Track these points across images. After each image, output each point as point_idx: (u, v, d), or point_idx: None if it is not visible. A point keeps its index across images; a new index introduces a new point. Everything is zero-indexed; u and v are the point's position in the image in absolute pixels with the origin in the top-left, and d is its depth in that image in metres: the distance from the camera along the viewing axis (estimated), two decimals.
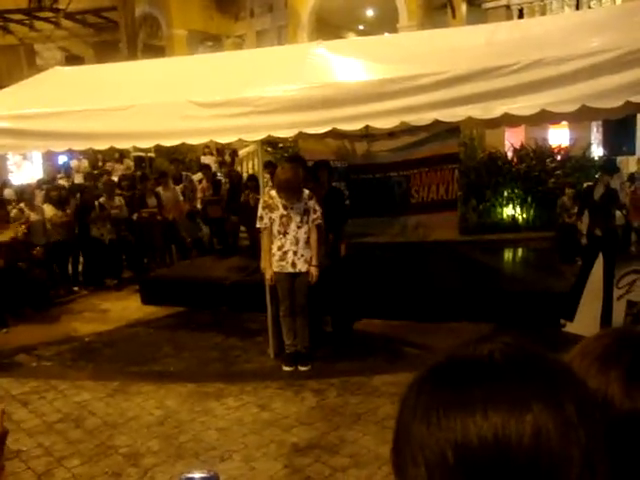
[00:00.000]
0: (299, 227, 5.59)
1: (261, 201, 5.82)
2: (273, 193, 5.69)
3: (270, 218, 5.63)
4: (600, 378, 0.76)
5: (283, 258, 5.61)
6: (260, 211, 5.71)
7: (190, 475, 1.06)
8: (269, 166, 8.15)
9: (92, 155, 15.36)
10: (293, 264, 5.60)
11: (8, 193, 11.96)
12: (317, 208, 5.64)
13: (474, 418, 0.57)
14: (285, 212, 5.60)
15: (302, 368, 5.66)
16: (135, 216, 10.05)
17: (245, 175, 12.72)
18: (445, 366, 0.64)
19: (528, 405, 0.57)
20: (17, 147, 6.86)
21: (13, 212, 8.72)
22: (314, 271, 5.61)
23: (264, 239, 5.72)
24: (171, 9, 21.46)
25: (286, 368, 5.68)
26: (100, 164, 15.94)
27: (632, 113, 5.91)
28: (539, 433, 0.56)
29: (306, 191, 5.66)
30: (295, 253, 5.59)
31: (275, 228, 5.62)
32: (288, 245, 5.59)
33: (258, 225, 5.77)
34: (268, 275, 5.68)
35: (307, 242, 5.62)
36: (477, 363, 0.62)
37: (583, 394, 0.61)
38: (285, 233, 5.59)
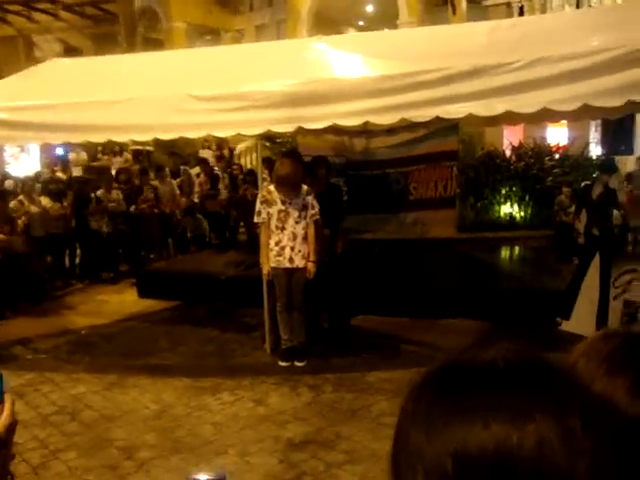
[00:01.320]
0: (297, 222, 5.58)
1: (259, 196, 5.80)
2: (271, 188, 5.68)
3: (268, 213, 5.61)
4: (606, 382, 0.75)
5: (280, 253, 5.59)
6: (258, 206, 5.69)
7: (197, 476, 0.98)
8: (267, 162, 8.12)
9: (91, 148, 15.30)
10: (290, 259, 5.58)
11: (9, 184, 11.93)
12: (315, 204, 5.63)
13: (474, 427, 0.55)
14: (283, 207, 5.58)
15: (298, 363, 5.65)
16: (133, 208, 10.03)
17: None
18: (445, 372, 0.62)
19: (531, 415, 0.55)
20: (13, 139, 6.80)
21: (12, 204, 8.69)
22: (311, 267, 5.60)
23: (262, 234, 5.71)
24: (170, 2, 21.35)
25: (282, 363, 5.67)
26: (100, 156, 15.89)
27: (632, 112, 5.90)
28: (542, 444, 0.54)
29: (305, 186, 5.64)
30: (292, 249, 5.57)
31: (273, 223, 5.60)
32: (286, 240, 5.58)
33: (256, 220, 5.75)
34: (265, 270, 5.67)
35: (305, 238, 5.60)
36: (479, 370, 0.60)
37: (590, 404, 0.59)
38: (283, 228, 5.58)
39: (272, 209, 5.60)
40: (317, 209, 5.63)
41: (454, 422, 0.56)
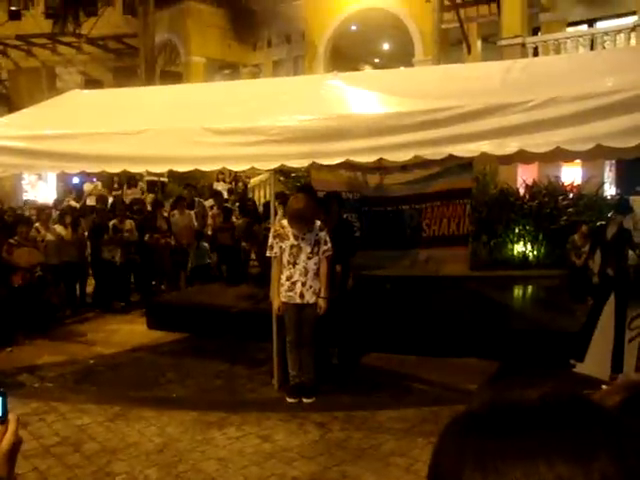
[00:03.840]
0: (309, 258, 5.56)
1: (272, 230, 5.80)
2: (284, 222, 5.67)
3: (280, 248, 5.60)
4: None
5: (291, 289, 5.56)
6: (271, 240, 5.69)
7: None
8: (281, 197, 8.14)
9: (107, 178, 15.46)
10: (301, 295, 5.55)
11: (30, 212, 12.09)
12: (328, 240, 5.61)
13: (538, 467, 0.55)
14: (296, 242, 5.57)
15: (306, 400, 5.57)
16: (147, 237, 10.08)
17: (257, 204, 12.77)
18: (492, 411, 0.61)
19: (594, 454, 0.55)
20: (31, 167, 6.90)
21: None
22: (322, 303, 5.56)
23: (273, 268, 5.69)
24: (190, 37, 21.85)
25: (290, 400, 5.59)
26: (116, 186, 16.02)
27: None
28: None
29: (318, 222, 5.64)
30: (304, 284, 5.54)
31: (285, 258, 5.59)
32: (297, 276, 5.55)
33: (268, 254, 5.74)
34: (276, 305, 5.64)
35: (316, 273, 5.57)
36: (529, 409, 0.60)
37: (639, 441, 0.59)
38: (295, 263, 5.55)
39: (284, 244, 5.59)
40: (330, 245, 5.61)
41: (515, 463, 0.56)
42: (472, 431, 0.60)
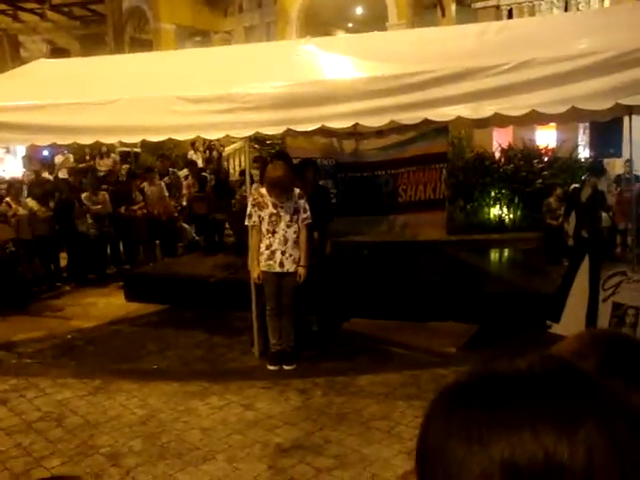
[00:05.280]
0: (288, 226, 5.52)
1: (250, 199, 5.75)
2: (263, 191, 5.62)
3: (259, 216, 5.56)
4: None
5: (271, 257, 5.54)
6: (249, 209, 5.64)
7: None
8: (259, 161, 8.06)
9: (78, 150, 15.18)
10: (281, 264, 5.53)
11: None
12: (307, 207, 5.58)
13: (522, 436, 0.54)
14: (275, 210, 5.53)
15: (287, 367, 5.60)
16: (123, 209, 9.96)
17: (232, 172, 12.66)
18: (479, 381, 0.61)
19: (579, 422, 0.54)
20: None
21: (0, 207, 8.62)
22: (302, 271, 5.55)
23: (252, 237, 5.65)
24: (159, 3, 21.25)
25: (271, 367, 5.62)
26: (87, 158, 15.74)
27: (621, 115, 5.92)
28: (592, 451, 0.53)
29: (296, 190, 5.60)
30: (283, 253, 5.52)
31: (264, 227, 5.55)
32: (276, 244, 5.52)
33: (247, 223, 5.69)
34: (255, 274, 5.62)
35: (296, 242, 5.56)
36: (516, 378, 0.59)
37: (628, 409, 0.58)
38: (274, 232, 5.52)
39: (263, 212, 5.54)
40: (309, 213, 5.58)
41: (500, 433, 0.55)
42: (458, 401, 0.60)
